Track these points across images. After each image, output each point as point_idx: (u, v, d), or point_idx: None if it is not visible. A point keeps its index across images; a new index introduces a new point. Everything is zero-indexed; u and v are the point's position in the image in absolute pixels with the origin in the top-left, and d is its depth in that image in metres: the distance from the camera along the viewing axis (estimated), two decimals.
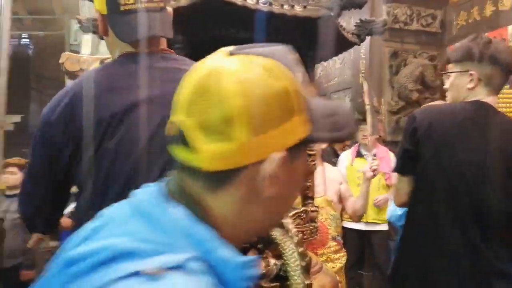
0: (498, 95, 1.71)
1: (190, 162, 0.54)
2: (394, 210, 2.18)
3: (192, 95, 0.55)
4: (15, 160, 3.79)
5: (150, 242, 0.51)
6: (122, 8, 1.21)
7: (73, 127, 1.18)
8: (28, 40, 9.12)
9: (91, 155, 1.17)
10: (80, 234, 0.58)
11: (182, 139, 0.55)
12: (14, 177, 3.54)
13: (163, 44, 1.29)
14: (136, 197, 0.60)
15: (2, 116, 5.21)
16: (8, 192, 3.58)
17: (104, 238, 0.53)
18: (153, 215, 0.54)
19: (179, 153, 0.56)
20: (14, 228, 3.23)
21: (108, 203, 1.15)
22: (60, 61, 3.63)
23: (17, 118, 8.22)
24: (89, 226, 0.58)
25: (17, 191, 1.66)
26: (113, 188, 1.16)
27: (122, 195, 1.14)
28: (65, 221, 1.73)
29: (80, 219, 1.23)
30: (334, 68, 6.24)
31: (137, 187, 1.15)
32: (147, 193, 0.59)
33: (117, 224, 0.55)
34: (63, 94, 1.23)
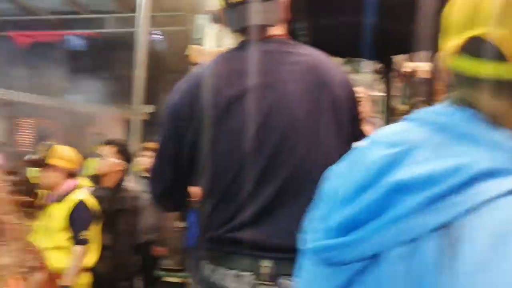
0: None
1: (503, 75, 0.51)
2: None
3: (503, 5, 0.52)
4: (151, 144, 4.18)
5: (497, 161, 0.48)
6: (230, 1, 1.32)
7: (194, 111, 1.28)
8: (160, 35, 9.88)
9: (211, 137, 1.27)
10: (368, 166, 0.55)
11: (490, 52, 0.51)
12: (150, 160, 3.90)
13: (277, 31, 1.35)
14: (434, 119, 0.56)
15: (140, 106, 5.74)
16: (145, 174, 3.96)
17: (427, 162, 0.50)
18: (477, 137, 0.51)
19: (480, 68, 0.53)
20: (149, 206, 3.56)
21: (227, 183, 1.24)
22: (187, 53, 3.90)
23: (151, 108, 8.97)
24: (369, 158, 0.55)
25: None
26: (231, 168, 1.24)
27: (239, 174, 1.22)
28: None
29: (204, 198, 1.34)
30: None
31: (253, 165, 1.22)
32: (447, 115, 0.55)
33: (434, 147, 0.52)
34: (186, 81, 1.36)
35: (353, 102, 1.35)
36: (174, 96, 1.35)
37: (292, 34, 1.41)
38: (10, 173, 2.17)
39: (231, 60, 1.33)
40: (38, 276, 1.99)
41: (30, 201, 2.11)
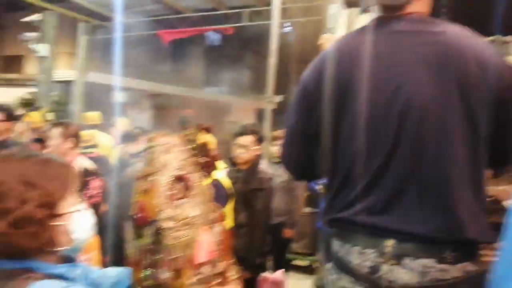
0: None
1: None
2: None
3: None
4: (279, 132, 4.32)
5: None
6: None
7: (321, 90, 1.30)
8: (290, 27, 10.04)
9: (335, 119, 1.28)
10: None
11: None
12: (279, 147, 4.04)
13: (417, 7, 1.28)
14: None
15: (270, 94, 5.94)
16: (275, 159, 4.11)
17: None
18: None
19: None
20: (281, 190, 3.70)
21: (351, 166, 1.25)
22: (319, 42, 3.93)
23: (280, 98, 9.20)
24: None
25: None
26: (355, 151, 1.25)
27: (363, 159, 1.22)
28: None
29: (328, 179, 1.36)
30: None
31: (377, 149, 1.21)
32: None
33: None
34: (318, 59, 1.38)
35: (497, 82, 1.19)
36: (306, 74, 1.40)
37: (436, 11, 1.35)
38: (187, 139, 2.46)
39: (358, 40, 1.31)
40: (219, 227, 2.24)
41: (208, 161, 2.36)
